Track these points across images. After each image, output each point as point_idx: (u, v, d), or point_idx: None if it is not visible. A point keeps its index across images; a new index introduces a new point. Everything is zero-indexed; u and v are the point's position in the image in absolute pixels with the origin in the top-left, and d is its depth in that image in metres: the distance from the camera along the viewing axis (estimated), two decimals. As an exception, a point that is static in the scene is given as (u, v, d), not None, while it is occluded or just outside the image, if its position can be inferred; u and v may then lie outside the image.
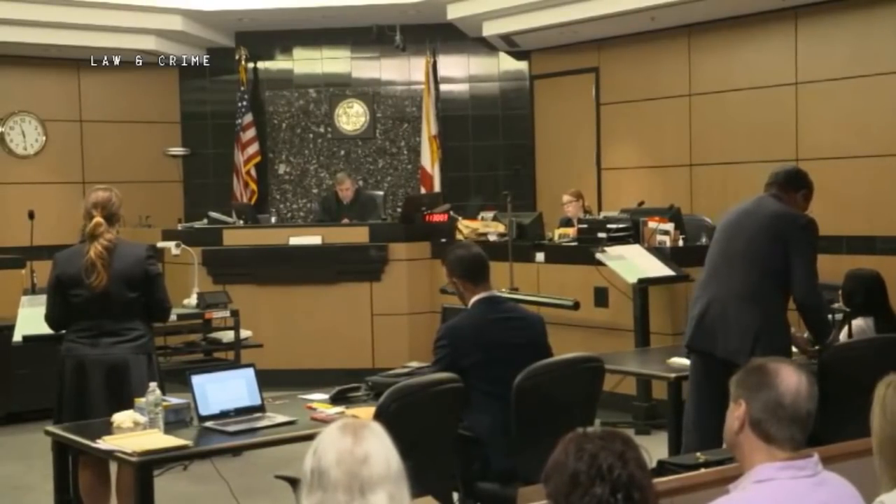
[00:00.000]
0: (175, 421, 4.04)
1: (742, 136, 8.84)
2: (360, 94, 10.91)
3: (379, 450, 1.99)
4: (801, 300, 4.66)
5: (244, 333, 7.03)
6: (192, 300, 6.96)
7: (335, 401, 4.39)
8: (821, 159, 8.24)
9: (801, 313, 4.71)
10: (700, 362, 4.79)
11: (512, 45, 10.36)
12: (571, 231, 7.91)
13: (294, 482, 3.67)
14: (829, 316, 5.19)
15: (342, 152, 10.97)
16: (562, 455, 1.97)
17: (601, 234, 7.35)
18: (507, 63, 10.77)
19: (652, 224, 7.33)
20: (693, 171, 9.32)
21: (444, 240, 8.40)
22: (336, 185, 9.67)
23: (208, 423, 4.01)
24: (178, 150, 11.09)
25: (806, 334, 4.90)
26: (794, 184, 4.81)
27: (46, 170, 10.41)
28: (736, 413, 2.40)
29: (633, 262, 6.90)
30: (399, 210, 9.75)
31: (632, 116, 9.79)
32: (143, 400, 4.01)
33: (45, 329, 4.94)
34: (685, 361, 4.98)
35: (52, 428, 4.17)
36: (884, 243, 7.86)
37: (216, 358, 7.11)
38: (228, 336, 6.98)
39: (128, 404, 4.16)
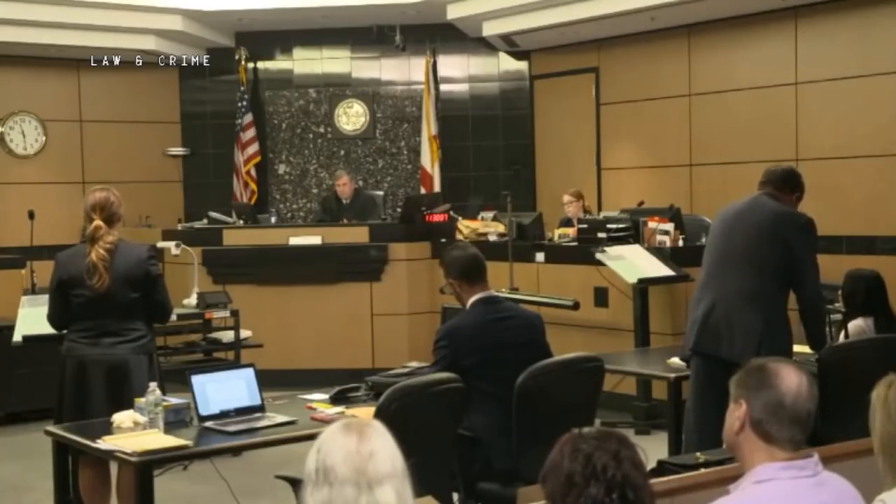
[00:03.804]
0: (175, 421, 4.05)
1: (742, 136, 8.84)
2: (360, 94, 10.91)
3: (384, 448, 2.00)
4: (807, 304, 4.65)
5: (244, 333, 7.03)
6: (192, 300, 6.96)
7: (335, 401, 4.39)
8: (821, 159, 8.25)
9: (805, 317, 4.67)
10: (701, 363, 4.77)
11: (512, 45, 10.37)
12: (571, 231, 7.91)
13: (294, 482, 3.67)
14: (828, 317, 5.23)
15: (342, 152, 10.97)
16: (557, 456, 1.97)
17: (601, 234, 7.35)
18: (507, 63, 10.77)
19: (652, 224, 7.33)
20: (693, 171, 9.32)
21: (444, 240, 8.40)
22: (334, 181, 9.67)
23: (208, 423, 4.02)
24: (178, 150, 11.09)
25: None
26: (790, 184, 4.80)
27: (46, 170, 10.41)
28: (736, 413, 2.39)
29: (633, 262, 6.90)
30: (399, 210, 9.75)
31: (632, 116, 9.79)
32: (143, 400, 4.01)
33: (46, 329, 4.95)
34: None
35: (52, 428, 4.18)
36: (884, 243, 7.86)
37: (216, 358, 7.11)
38: (228, 336, 6.98)
39: (128, 404, 4.16)
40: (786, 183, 4.79)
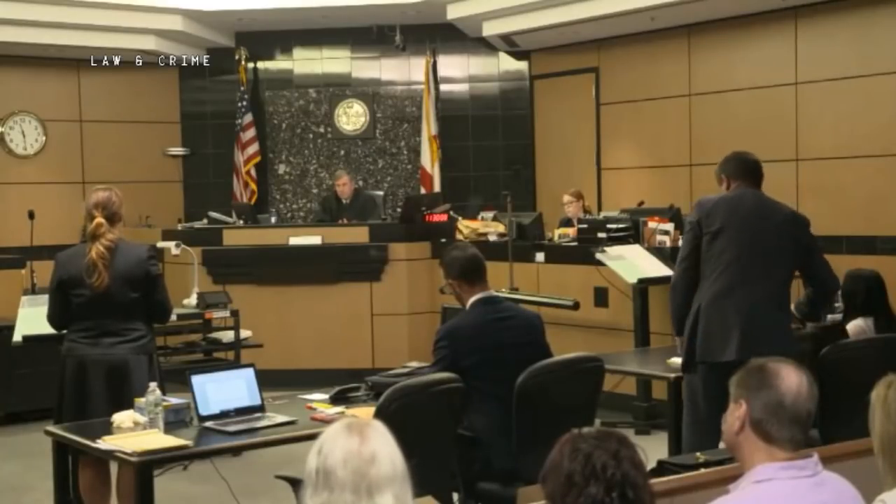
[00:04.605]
0: (175, 421, 4.05)
1: (742, 137, 8.82)
2: (360, 94, 10.91)
3: (385, 449, 2.00)
4: (833, 289, 4.84)
5: (244, 333, 7.03)
6: (192, 300, 6.96)
7: (335, 401, 4.39)
8: (821, 159, 8.25)
9: (825, 301, 4.89)
10: (709, 370, 4.66)
11: (512, 45, 10.36)
12: (571, 231, 7.91)
13: (294, 482, 3.67)
14: (829, 315, 5.40)
15: (342, 152, 10.97)
16: (557, 456, 1.98)
17: (601, 234, 7.35)
18: (507, 63, 10.77)
19: (652, 224, 7.33)
20: (693, 171, 9.31)
21: (444, 240, 8.40)
22: (334, 181, 9.68)
23: (208, 423, 4.02)
24: (178, 150, 11.09)
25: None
26: (761, 177, 4.77)
27: (46, 170, 10.41)
28: (736, 413, 2.39)
29: (633, 262, 6.90)
30: (399, 210, 9.75)
31: (632, 116, 9.79)
32: (143, 400, 4.01)
33: (46, 329, 4.95)
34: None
35: (52, 428, 4.18)
36: (884, 243, 7.86)
37: (216, 358, 7.11)
38: (228, 336, 6.98)
39: (128, 404, 4.16)
40: (760, 176, 4.77)
